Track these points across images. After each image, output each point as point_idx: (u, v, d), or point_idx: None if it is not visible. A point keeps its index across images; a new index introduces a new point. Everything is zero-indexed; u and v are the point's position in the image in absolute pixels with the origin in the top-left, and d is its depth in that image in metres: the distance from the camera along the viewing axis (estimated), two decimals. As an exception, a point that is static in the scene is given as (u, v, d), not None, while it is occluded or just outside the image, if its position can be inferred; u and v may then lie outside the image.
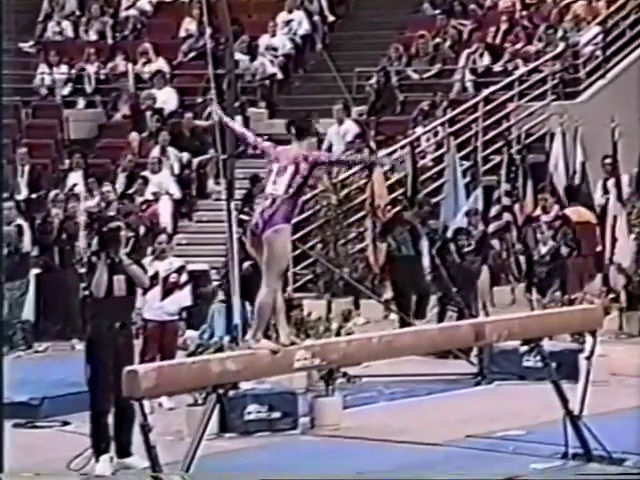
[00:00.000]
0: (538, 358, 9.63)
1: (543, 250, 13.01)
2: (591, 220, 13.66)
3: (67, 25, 18.51)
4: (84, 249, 12.69)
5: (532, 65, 16.34)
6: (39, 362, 12.01)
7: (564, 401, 8.11)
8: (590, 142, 14.44)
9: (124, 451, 8.31)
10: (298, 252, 14.23)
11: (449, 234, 13.16)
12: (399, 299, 13.14)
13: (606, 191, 14.07)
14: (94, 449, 8.28)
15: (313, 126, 7.20)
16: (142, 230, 14.07)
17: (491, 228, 14.24)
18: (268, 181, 6.99)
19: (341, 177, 15.20)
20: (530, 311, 11.46)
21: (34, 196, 15.89)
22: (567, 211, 13.66)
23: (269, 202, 6.90)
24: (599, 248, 13.57)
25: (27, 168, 16.25)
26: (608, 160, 14.06)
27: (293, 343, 7.03)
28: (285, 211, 6.87)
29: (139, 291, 8.92)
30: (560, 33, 16.64)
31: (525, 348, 10.07)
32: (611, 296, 11.99)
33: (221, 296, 11.51)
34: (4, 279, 12.62)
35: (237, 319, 9.98)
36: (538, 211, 14.09)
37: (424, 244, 13.02)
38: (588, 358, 8.45)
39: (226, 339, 9.79)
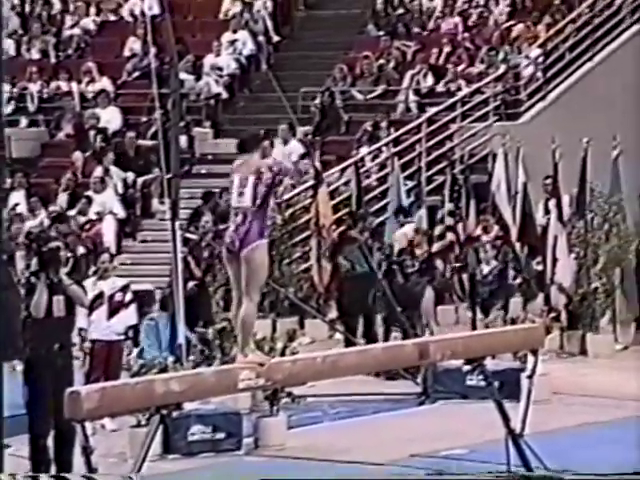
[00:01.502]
0: (481, 377, 9.70)
1: (485, 270, 13.12)
2: None
3: (9, 43, 18.37)
4: (22, 270, 12.55)
5: (474, 86, 16.54)
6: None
7: (506, 420, 8.18)
8: (531, 163, 14.62)
9: (64, 473, 8.22)
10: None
11: (393, 257, 13.24)
12: (346, 318, 13.18)
13: (547, 211, 14.24)
14: (33, 471, 8.18)
15: (262, 136, 7.21)
16: (82, 250, 13.96)
17: (435, 248, 14.34)
18: (232, 194, 6.99)
19: (286, 197, 15.24)
20: (472, 330, 11.55)
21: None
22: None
23: (240, 218, 6.92)
24: (540, 267, 13.73)
25: (-32, 187, 16.06)
26: (549, 181, 14.24)
27: (262, 364, 6.99)
28: (258, 226, 6.90)
29: (83, 312, 8.84)
30: (501, 55, 16.87)
31: (468, 367, 10.15)
32: (552, 315, 12.13)
33: (153, 314, 11.44)
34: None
35: (181, 339, 9.94)
36: (479, 231, 14.23)
37: (375, 259, 13.04)
38: (530, 377, 8.53)
39: (170, 359, 9.74)
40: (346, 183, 15.33)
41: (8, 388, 10.04)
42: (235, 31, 17.85)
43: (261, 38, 17.88)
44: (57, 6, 18.60)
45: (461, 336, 8.81)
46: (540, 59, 16.75)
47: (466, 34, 17.44)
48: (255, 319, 7.03)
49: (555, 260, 13.25)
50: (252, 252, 6.88)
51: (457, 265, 13.73)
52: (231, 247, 6.93)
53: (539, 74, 16.71)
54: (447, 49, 17.21)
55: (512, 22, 17.32)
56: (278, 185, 7.28)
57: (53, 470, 8.20)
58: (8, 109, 17.62)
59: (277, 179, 6.97)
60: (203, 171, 16.68)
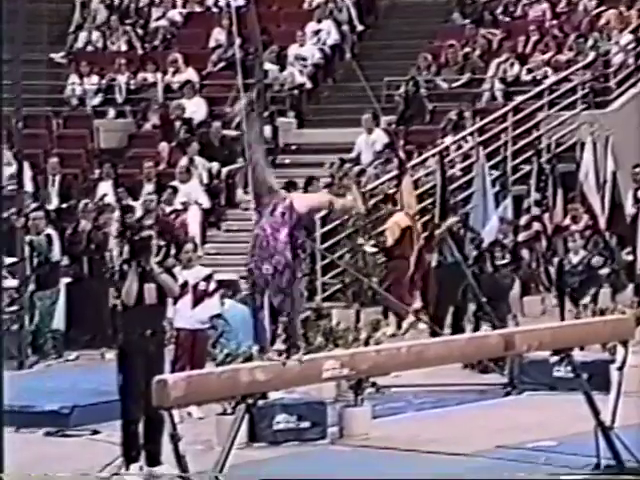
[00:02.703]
0: (569, 368, 9.55)
1: (574, 260, 12.91)
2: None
3: (98, 36, 18.63)
4: (116, 257, 12.75)
5: (562, 74, 16.28)
6: (69, 371, 12.05)
7: (595, 412, 8.05)
8: (621, 151, 14.35)
9: (154, 460, 8.32)
10: (327, 261, 14.23)
11: (484, 245, 13.11)
12: (432, 309, 13.09)
13: (637, 200, 13.98)
14: (124, 458, 8.29)
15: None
16: (167, 239, 14.08)
17: (521, 238, 14.16)
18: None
19: (370, 186, 15.19)
20: (560, 321, 11.38)
21: (64, 206, 15.99)
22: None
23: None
24: (629, 258, 13.46)
25: (58, 178, 16.35)
26: (639, 169, 13.97)
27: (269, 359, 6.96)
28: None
29: (170, 300, 8.94)
30: (590, 42, 16.57)
31: (556, 358, 10.00)
32: (643, 306, 11.88)
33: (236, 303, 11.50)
34: (35, 288, 12.77)
35: (266, 328, 9.97)
36: (568, 221, 14.01)
37: (469, 249, 12.90)
38: (620, 369, 8.38)
39: (255, 348, 9.79)
40: (429, 173, 15.24)
41: (98, 375, 10.22)
42: (319, 21, 17.84)
43: (345, 27, 17.85)
44: (144, -2, 18.82)
45: (548, 327, 8.70)
46: (631, 45, 16.41)
47: (554, 21, 17.18)
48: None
49: (646, 250, 12.99)
50: None
51: (545, 255, 13.54)
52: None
53: (630, 61, 16.38)
54: (534, 37, 16.97)
55: (602, 8, 17.00)
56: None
57: (143, 457, 8.30)
58: (96, 100, 17.96)
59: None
60: (287, 161, 16.73)
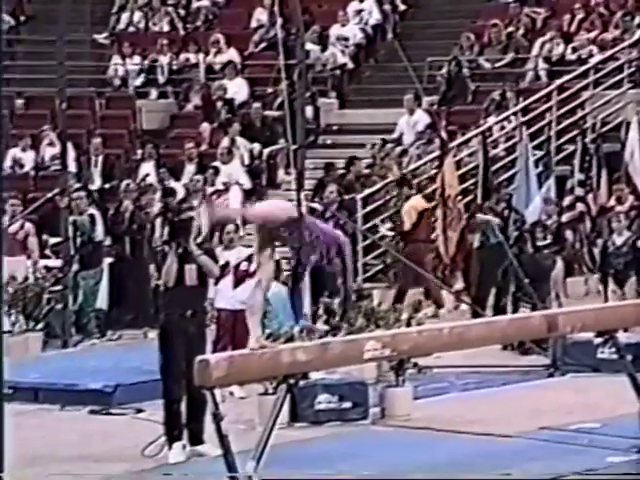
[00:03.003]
0: (613, 350, 9.46)
1: (618, 241, 12.77)
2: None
3: (140, 16, 18.67)
4: (157, 238, 12.80)
5: (608, 53, 16.07)
6: (112, 350, 12.15)
7: (640, 394, 7.96)
8: (667, 131, 14.14)
9: (197, 439, 8.36)
10: (368, 242, 14.19)
11: (526, 226, 13.02)
12: (474, 290, 13.03)
13: (682, 181, 13.79)
14: (167, 437, 8.34)
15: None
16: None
17: (564, 218, 14.03)
18: None
19: (412, 167, 15.11)
20: (604, 302, 11.27)
21: (107, 186, 16.08)
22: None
23: None
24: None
25: (101, 158, 16.44)
26: (685, 150, 13.78)
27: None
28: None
29: (211, 281, 8.96)
30: (637, 20, 16.34)
31: (599, 340, 9.91)
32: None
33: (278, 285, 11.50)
34: (79, 268, 12.86)
35: (307, 309, 9.97)
36: (612, 201, 13.86)
37: (511, 229, 12.84)
38: (665, 350, 8.28)
39: (296, 329, 9.80)
40: (472, 153, 15.13)
41: (141, 355, 10.29)
42: (361, 0, 17.75)
43: (387, 7, 17.74)
44: (186, -22, 18.82)
45: (591, 308, 8.61)
46: (677, 24, 16.17)
47: (600, -1, 16.97)
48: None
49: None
50: None
51: (589, 236, 13.40)
52: None
53: (678, 39, 16.14)
54: (580, 15, 16.76)
55: (649, -15, 16.75)
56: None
57: (185, 436, 8.35)
58: (138, 81, 18.01)
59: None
60: (329, 142, 16.69)
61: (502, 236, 12.42)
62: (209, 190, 15.50)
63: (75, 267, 12.83)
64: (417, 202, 13.60)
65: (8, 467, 6.48)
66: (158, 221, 13.23)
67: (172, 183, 15.39)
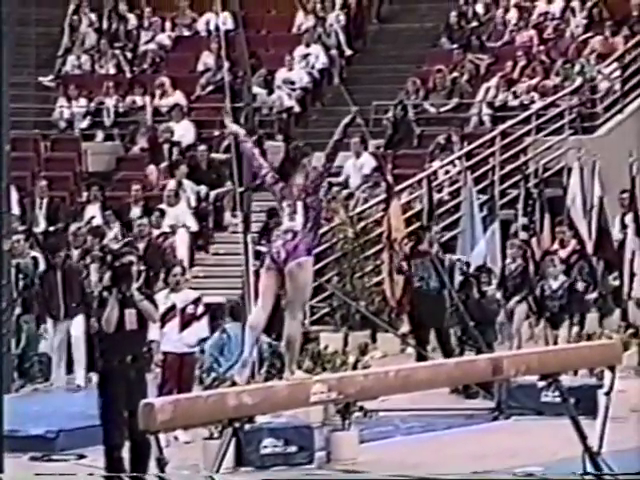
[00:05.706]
0: (556, 393, 9.55)
1: (554, 285, 12.93)
2: None
3: (86, 59, 18.65)
4: (95, 283, 12.69)
5: (549, 100, 16.36)
6: (56, 395, 11.98)
7: (583, 437, 8.02)
8: (608, 176, 14.39)
9: (140, 483, 8.27)
10: (315, 285, 14.19)
11: (470, 269, 13.13)
12: (417, 332, 13.09)
13: (624, 226, 14.01)
14: (109, 482, 8.25)
15: (303, 151, 7.28)
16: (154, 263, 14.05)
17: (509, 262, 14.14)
18: (284, 218, 7.02)
19: (358, 210, 15.20)
20: (546, 346, 11.37)
21: (52, 229, 15.94)
22: None
23: (290, 235, 6.94)
24: (616, 283, 13.49)
25: (45, 201, 16.32)
26: (626, 195, 14.01)
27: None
28: (307, 243, 6.93)
29: (156, 324, 8.89)
30: (577, 68, 16.66)
31: (543, 383, 9.99)
32: (630, 331, 11.91)
33: (226, 325, 11.46)
34: (21, 311, 12.71)
35: (253, 352, 9.92)
36: (556, 245, 14.03)
37: (446, 276, 12.95)
38: (607, 394, 8.37)
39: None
40: (418, 197, 15.26)
41: (85, 399, 10.15)
42: (308, 45, 17.91)
43: (334, 52, 17.91)
44: (133, 22, 18.85)
45: (536, 351, 8.69)
46: (617, 72, 16.50)
47: (541, 47, 17.26)
48: (301, 337, 7.01)
49: (633, 275, 13.02)
50: (297, 268, 6.90)
51: (532, 279, 13.53)
52: (276, 257, 6.94)
53: (616, 87, 16.47)
54: (522, 62, 17.05)
55: (589, 34, 17.10)
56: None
57: (128, 481, 8.25)
58: (84, 124, 17.95)
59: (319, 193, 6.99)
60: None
61: (439, 280, 12.49)
62: (155, 233, 15.45)
63: (17, 310, 12.68)
64: None
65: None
66: (93, 266, 13.12)
67: (112, 226, 15.30)
